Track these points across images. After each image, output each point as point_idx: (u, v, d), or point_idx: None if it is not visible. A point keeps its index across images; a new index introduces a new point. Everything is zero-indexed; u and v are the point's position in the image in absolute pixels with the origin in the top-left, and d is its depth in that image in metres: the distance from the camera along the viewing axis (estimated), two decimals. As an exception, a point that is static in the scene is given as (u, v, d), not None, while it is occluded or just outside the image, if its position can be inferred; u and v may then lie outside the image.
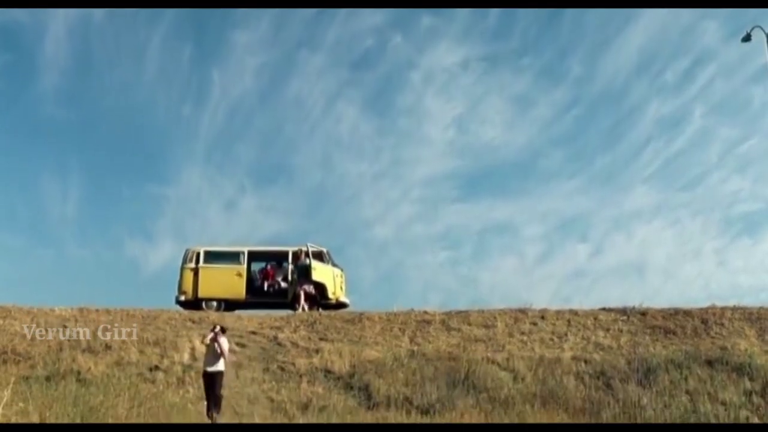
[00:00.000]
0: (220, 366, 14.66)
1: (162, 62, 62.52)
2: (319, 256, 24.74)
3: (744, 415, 15.75)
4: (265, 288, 24.96)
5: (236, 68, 65.60)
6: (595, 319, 21.45)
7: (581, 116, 66.85)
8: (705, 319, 20.72)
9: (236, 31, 62.37)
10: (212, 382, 14.46)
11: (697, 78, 64.16)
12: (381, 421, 14.39)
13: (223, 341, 14.74)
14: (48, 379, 16.19)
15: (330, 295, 24.44)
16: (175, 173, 67.28)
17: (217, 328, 14.96)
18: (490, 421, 13.00)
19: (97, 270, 52.30)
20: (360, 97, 67.08)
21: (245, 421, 7.62)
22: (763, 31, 27.37)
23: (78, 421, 7.09)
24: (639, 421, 15.43)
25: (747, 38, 27.65)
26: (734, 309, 21.22)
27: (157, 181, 67.29)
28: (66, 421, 7.43)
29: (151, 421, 8.53)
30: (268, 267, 25.39)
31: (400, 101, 68.15)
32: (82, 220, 62.01)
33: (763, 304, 21.84)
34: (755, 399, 16.45)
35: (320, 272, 24.36)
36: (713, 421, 15.45)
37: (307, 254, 24.21)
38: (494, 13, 59.87)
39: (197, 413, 14.23)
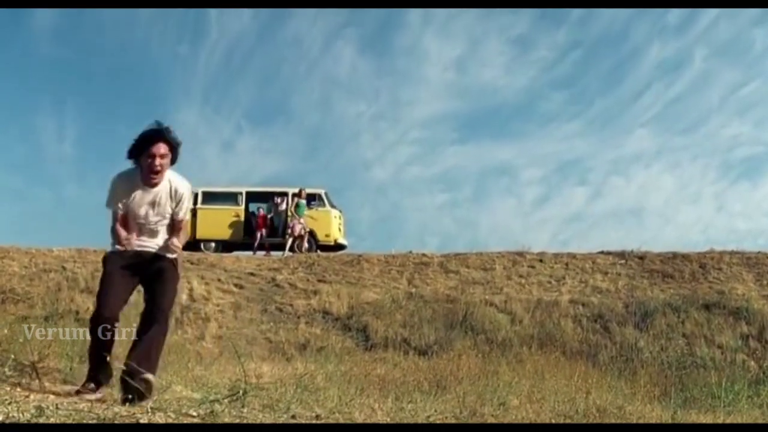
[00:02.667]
0: None
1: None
2: (317, 198, 24.78)
3: (740, 359, 15.83)
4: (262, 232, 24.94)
5: (234, 6, 64.90)
6: (593, 262, 21.50)
7: (581, 59, 66.32)
8: (703, 264, 20.77)
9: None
10: None
11: (700, 20, 63.52)
12: (379, 359, 14.42)
13: None
14: (46, 319, 16.23)
15: (327, 237, 24.52)
16: (172, 113, 66.89)
17: None
18: (487, 363, 13.04)
19: (95, 210, 52.19)
20: (358, 37, 66.46)
21: (243, 360, 7.66)
22: (767, -28, 27.15)
23: (76, 361, 7.08)
24: (636, 363, 15.48)
25: (750, -20, 27.46)
26: (732, 253, 21.26)
27: (154, 119, 67.05)
28: (64, 360, 7.43)
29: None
30: (260, 212, 25.28)
31: (398, 41, 67.61)
32: (79, 159, 61.79)
33: (762, 248, 21.94)
34: (752, 343, 16.52)
35: (316, 214, 24.43)
36: (709, 363, 15.50)
37: (298, 195, 24.30)
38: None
39: (195, 353, 14.28)
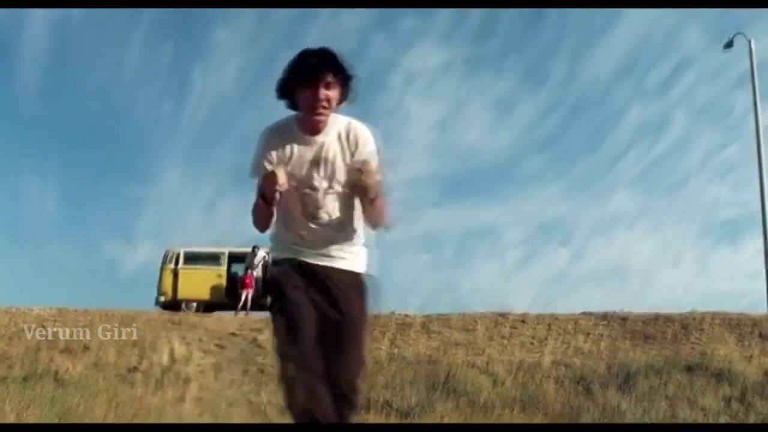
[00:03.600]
0: None
1: (142, 60, 62.06)
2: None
3: (723, 421, 15.79)
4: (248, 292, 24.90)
5: (217, 67, 65.31)
6: (576, 323, 21.49)
7: (563, 120, 66.81)
8: (685, 325, 20.79)
9: (217, 30, 62.10)
10: None
11: (680, 83, 64.27)
12: (362, 421, 14.34)
13: None
14: (25, 379, 16.09)
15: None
16: (155, 173, 66.98)
17: None
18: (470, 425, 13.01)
19: (75, 270, 51.97)
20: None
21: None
22: (745, 37, 27.57)
23: (55, 422, 7.03)
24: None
25: (729, 44, 27.88)
26: (714, 315, 21.29)
27: (137, 180, 66.88)
28: (44, 421, 7.37)
29: (128, 423, 8.51)
30: (248, 272, 25.26)
31: (381, 102, 67.96)
32: (60, 218, 61.52)
33: (743, 310, 21.95)
34: (734, 405, 16.48)
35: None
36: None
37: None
38: (476, 13, 59.72)
39: (175, 415, 14.16)
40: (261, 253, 24.29)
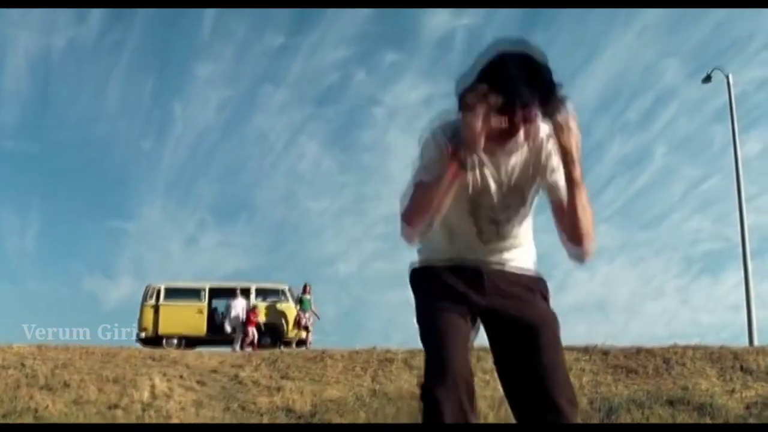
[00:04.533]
0: None
1: (123, 95, 62.09)
2: (280, 293, 24.86)
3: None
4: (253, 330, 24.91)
5: (198, 102, 65.33)
6: (557, 358, 21.49)
7: (543, 155, 67.08)
8: (667, 359, 20.80)
9: (198, 64, 62.31)
10: None
11: (660, 116, 64.80)
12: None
13: None
14: (5, 416, 15.98)
15: (289, 333, 24.54)
16: (135, 208, 66.75)
17: None
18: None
19: (55, 305, 51.67)
20: (323, 133, 66.99)
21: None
22: (722, 72, 27.88)
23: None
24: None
25: (707, 79, 28.19)
26: (695, 348, 21.33)
27: (118, 215, 66.82)
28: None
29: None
30: (254, 309, 25.28)
31: (363, 137, 68.28)
32: (41, 254, 61.21)
33: (724, 342, 22.02)
34: (715, 439, 16.54)
35: (276, 309, 24.57)
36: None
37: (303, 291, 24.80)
38: (458, 48, 60.08)
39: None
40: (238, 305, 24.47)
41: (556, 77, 2.96)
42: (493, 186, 3.25)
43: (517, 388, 3.42)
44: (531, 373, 3.29)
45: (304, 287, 25.12)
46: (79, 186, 60.62)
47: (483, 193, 3.25)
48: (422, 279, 3.56)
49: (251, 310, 24.68)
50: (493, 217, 3.33)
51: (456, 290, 3.39)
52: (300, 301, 24.86)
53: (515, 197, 3.31)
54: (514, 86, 2.88)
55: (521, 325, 3.37)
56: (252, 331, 24.38)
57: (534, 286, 3.51)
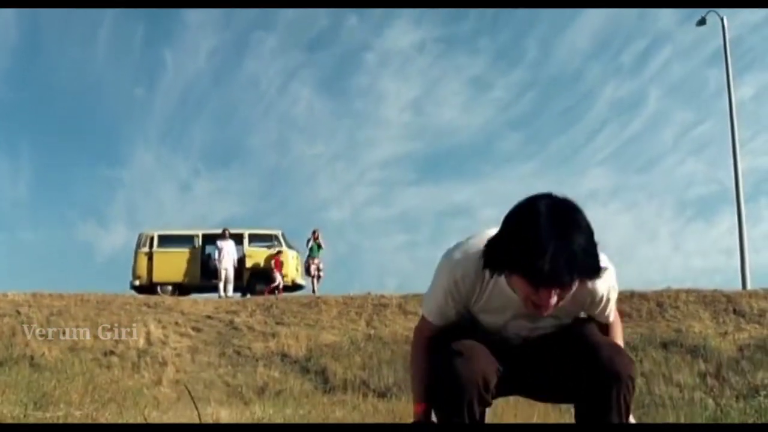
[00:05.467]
0: None
1: (113, 42, 61.52)
2: (274, 239, 24.84)
3: (698, 396, 15.92)
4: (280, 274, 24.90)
5: (189, 49, 64.76)
6: (551, 301, 21.55)
7: (537, 99, 66.85)
8: (660, 302, 20.87)
9: (189, 11, 61.74)
10: None
11: (653, 61, 64.32)
12: (338, 401, 14.36)
13: None
14: (1, 364, 16.02)
15: (286, 278, 24.53)
16: (128, 156, 66.46)
17: None
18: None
19: (50, 254, 51.66)
20: (315, 79, 66.46)
21: (201, 405, 7.60)
22: (718, 15, 27.66)
23: (30, 407, 6.99)
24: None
25: (702, 22, 27.95)
26: (689, 292, 21.39)
27: (110, 163, 66.55)
28: (19, 407, 7.34)
29: (104, 406, 8.49)
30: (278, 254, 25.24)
31: (355, 83, 67.77)
32: (34, 203, 61.07)
33: (718, 286, 22.08)
34: (709, 380, 16.61)
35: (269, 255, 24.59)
36: (667, 402, 15.59)
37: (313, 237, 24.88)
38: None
39: (152, 398, 14.15)
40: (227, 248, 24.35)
41: (594, 260, 2.57)
42: (520, 328, 3.02)
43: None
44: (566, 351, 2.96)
45: (314, 233, 25.03)
46: (70, 134, 60.31)
47: (509, 329, 3.03)
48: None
49: (276, 255, 24.72)
50: (524, 336, 3.05)
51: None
52: (310, 248, 24.82)
53: (546, 326, 3.01)
54: (543, 275, 2.48)
55: (561, 334, 3.04)
56: (279, 276, 24.41)
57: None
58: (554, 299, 2.58)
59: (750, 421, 9.80)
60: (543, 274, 2.46)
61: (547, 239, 2.46)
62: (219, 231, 24.92)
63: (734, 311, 19.95)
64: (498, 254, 2.62)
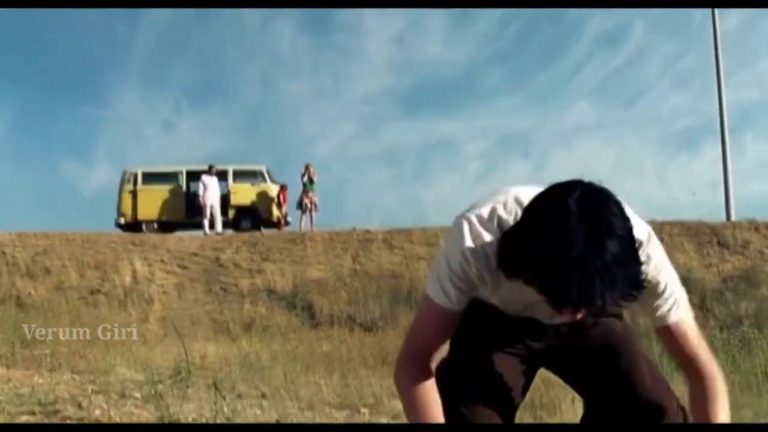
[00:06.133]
0: None
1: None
2: (258, 175, 24.76)
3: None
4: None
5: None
6: (536, 235, 21.59)
7: (521, 32, 66.46)
8: (644, 234, 20.95)
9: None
10: None
11: (638, -7, 63.89)
12: (325, 336, 14.43)
13: None
14: (-13, 304, 16.04)
15: (270, 214, 24.50)
16: (110, 94, 65.86)
17: None
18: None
19: (34, 193, 51.48)
20: (298, 14, 65.96)
21: (187, 341, 7.64)
22: (702, -57, 27.41)
23: (17, 346, 7.00)
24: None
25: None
26: (673, 224, 21.47)
27: (92, 102, 65.81)
28: (6, 345, 7.35)
29: (91, 343, 8.53)
30: (283, 188, 25.26)
31: (338, 17, 67.28)
32: (15, 142, 60.59)
33: (702, 218, 22.14)
34: (693, 311, 16.75)
35: (258, 191, 24.50)
36: (651, 333, 15.65)
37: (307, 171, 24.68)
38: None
39: (139, 335, 14.18)
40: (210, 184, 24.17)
41: (633, 276, 2.02)
42: (545, 315, 2.52)
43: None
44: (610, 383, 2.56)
45: (306, 167, 24.92)
46: (51, 72, 59.72)
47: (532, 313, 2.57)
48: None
49: (282, 190, 24.78)
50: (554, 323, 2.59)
51: (510, 328, 2.66)
52: (303, 183, 24.75)
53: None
54: (567, 299, 1.99)
55: (591, 352, 2.65)
56: (278, 210, 24.54)
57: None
58: (581, 315, 2.07)
59: (734, 351, 9.92)
60: (567, 297, 1.98)
61: (578, 250, 1.93)
62: (204, 168, 24.81)
63: (718, 243, 20.05)
64: (513, 258, 2.11)
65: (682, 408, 2.44)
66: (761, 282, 17.79)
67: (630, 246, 2.00)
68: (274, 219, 24.52)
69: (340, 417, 4.39)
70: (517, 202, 2.30)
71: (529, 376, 2.73)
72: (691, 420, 2.31)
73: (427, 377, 2.44)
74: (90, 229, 22.48)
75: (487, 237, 2.30)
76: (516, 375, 2.65)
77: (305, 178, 24.84)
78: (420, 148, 63.50)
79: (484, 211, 2.35)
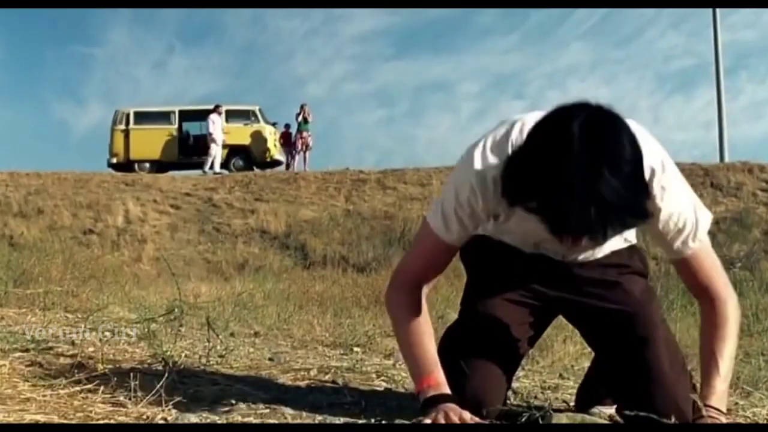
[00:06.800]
0: None
1: None
2: (251, 115, 24.68)
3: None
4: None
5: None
6: (529, 176, 21.60)
7: (516, -29, 65.89)
8: (637, 176, 20.99)
9: None
10: None
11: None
12: (318, 276, 14.46)
13: None
14: (-21, 244, 16.03)
15: (264, 154, 24.49)
16: (100, 33, 65.78)
17: None
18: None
19: (26, 133, 51.42)
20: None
21: (181, 280, 7.67)
22: None
23: (11, 285, 6.99)
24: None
25: None
26: (666, 165, 21.47)
27: (82, 41, 65.79)
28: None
29: (84, 283, 8.55)
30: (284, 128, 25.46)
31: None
32: (7, 82, 60.42)
33: (696, 160, 22.17)
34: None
35: (251, 130, 24.43)
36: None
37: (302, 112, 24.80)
38: None
39: (132, 275, 14.20)
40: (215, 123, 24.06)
41: (639, 203, 1.98)
42: (555, 251, 2.53)
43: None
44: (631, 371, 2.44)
45: (302, 107, 24.92)
46: (40, 12, 59.24)
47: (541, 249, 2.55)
48: (477, 251, 2.66)
49: (286, 129, 25.26)
50: (564, 254, 2.54)
51: (521, 275, 2.60)
52: (298, 123, 24.77)
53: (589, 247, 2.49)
54: (568, 226, 1.95)
55: (608, 315, 2.54)
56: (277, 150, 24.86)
57: (625, 261, 2.67)
58: (584, 242, 2.04)
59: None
60: (568, 224, 1.94)
61: (577, 176, 1.87)
62: (197, 107, 24.76)
63: (711, 184, 20.08)
64: (514, 184, 2.05)
65: (694, 393, 2.32)
66: (753, 224, 17.86)
67: (635, 175, 1.94)
68: (267, 159, 24.51)
69: (332, 355, 4.41)
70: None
71: (540, 327, 2.70)
72: (700, 405, 2.20)
73: (416, 302, 2.43)
74: (82, 168, 22.47)
75: (498, 165, 2.20)
76: (524, 326, 2.60)
77: (300, 118, 24.82)
78: (413, 88, 63.46)
79: (497, 137, 2.30)
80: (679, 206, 2.31)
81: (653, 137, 2.30)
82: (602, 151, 1.89)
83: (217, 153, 23.52)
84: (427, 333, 2.41)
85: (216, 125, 23.41)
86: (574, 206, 1.87)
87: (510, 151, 2.19)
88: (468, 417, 2.15)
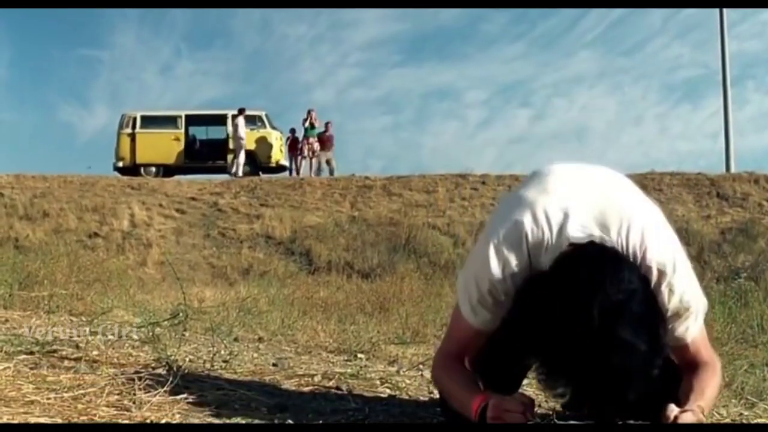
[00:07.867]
0: None
1: None
2: (257, 120, 24.66)
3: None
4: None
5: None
6: (535, 184, 21.55)
7: (524, -20, 65.92)
8: (644, 185, 20.69)
9: None
10: None
11: (642, -60, 63.34)
12: (322, 282, 14.45)
13: None
14: (-15, 246, 16.04)
15: (270, 159, 24.46)
16: (108, 36, 65.64)
17: None
18: (430, 285, 13.10)
19: (32, 135, 51.41)
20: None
21: (185, 285, 7.67)
22: None
23: (16, 288, 6.99)
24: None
25: None
26: (672, 175, 21.45)
27: (89, 44, 65.60)
28: (4, 287, 7.35)
29: (89, 286, 8.55)
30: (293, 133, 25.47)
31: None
32: (14, 84, 60.41)
33: (702, 170, 22.12)
34: (691, 263, 16.77)
35: (257, 136, 24.38)
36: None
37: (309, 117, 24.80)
38: None
39: (137, 279, 14.20)
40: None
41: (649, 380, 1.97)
42: None
43: None
44: None
45: (309, 113, 24.90)
46: (47, 13, 59.32)
47: None
48: None
49: (291, 135, 25.48)
50: None
51: None
52: (305, 128, 24.77)
53: None
54: (596, 399, 1.99)
55: None
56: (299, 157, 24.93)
57: None
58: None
59: (730, 303, 9.93)
60: (597, 401, 1.99)
61: (599, 366, 1.91)
62: (203, 111, 24.82)
63: (717, 195, 20.05)
64: (531, 347, 2.07)
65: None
66: (759, 235, 17.82)
67: (653, 347, 1.97)
68: (273, 164, 24.49)
69: (336, 361, 4.40)
70: (546, 215, 2.23)
71: None
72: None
73: (459, 367, 2.47)
74: (88, 172, 22.49)
75: (515, 262, 2.25)
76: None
77: (306, 124, 24.79)
78: (420, 95, 63.37)
79: (510, 232, 2.28)
80: (686, 303, 2.30)
81: (666, 226, 2.38)
82: (618, 341, 1.92)
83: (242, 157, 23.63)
84: (473, 380, 2.41)
85: (242, 128, 23.47)
86: (600, 398, 1.97)
87: (527, 244, 2.23)
88: (518, 403, 2.14)
